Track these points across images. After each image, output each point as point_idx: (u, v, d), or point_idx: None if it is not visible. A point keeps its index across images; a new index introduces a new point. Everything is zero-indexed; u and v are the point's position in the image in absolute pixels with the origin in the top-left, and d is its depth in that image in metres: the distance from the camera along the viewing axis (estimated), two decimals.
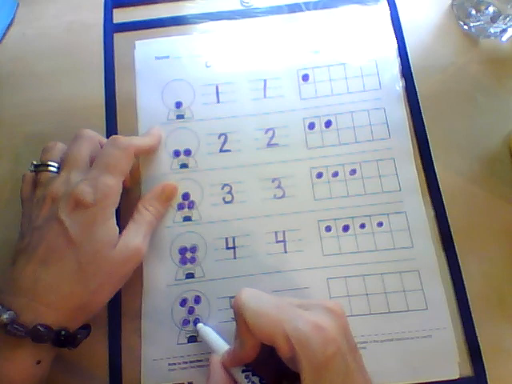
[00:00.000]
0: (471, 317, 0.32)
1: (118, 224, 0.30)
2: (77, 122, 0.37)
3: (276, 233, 0.34)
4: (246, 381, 0.26)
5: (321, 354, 0.23)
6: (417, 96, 0.37)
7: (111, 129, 0.37)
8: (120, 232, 0.30)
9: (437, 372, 0.31)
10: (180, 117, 0.37)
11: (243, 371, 0.27)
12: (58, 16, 0.41)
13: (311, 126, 0.37)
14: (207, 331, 0.31)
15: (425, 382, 0.31)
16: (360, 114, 0.37)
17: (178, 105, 0.37)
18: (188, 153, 0.36)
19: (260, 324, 0.24)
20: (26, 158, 0.36)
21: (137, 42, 0.39)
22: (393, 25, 0.40)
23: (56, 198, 0.29)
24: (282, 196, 0.35)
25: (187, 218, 0.35)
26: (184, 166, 0.36)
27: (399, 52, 0.39)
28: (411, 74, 0.38)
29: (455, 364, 0.31)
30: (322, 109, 0.37)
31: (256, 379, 0.26)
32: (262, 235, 0.34)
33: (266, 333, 0.24)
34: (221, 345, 0.29)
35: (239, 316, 0.25)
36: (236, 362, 0.27)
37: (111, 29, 0.40)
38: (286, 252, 0.34)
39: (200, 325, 0.32)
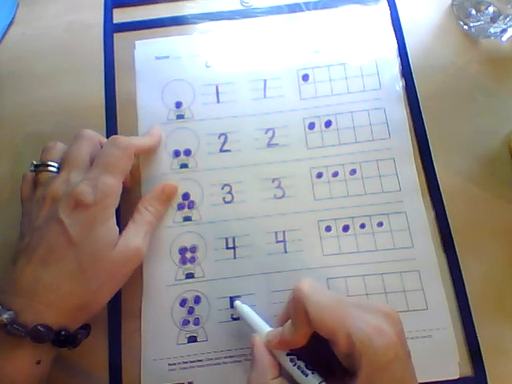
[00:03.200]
0: (471, 317, 0.32)
1: (118, 224, 0.30)
2: (77, 121, 0.37)
3: (276, 233, 0.34)
4: (291, 364, 0.26)
5: (381, 356, 0.23)
6: (417, 96, 0.37)
7: (111, 129, 0.37)
8: (120, 232, 0.30)
9: (437, 372, 0.31)
10: (180, 117, 0.37)
11: (288, 354, 0.27)
12: (58, 16, 0.41)
13: (311, 125, 0.37)
14: (245, 309, 0.31)
15: (425, 381, 0.31)
16: (360, 114, 0.37)
17: (178, 105, 0.37)
18: (188, 153, 0.36)
19: (322, 317, 0.25)
20: (26, 158, 0.36)
21: (137, 42, 0.39)
22: (393, 25, 0.40)
23: (56, 197, 0.29)
24: (282, 196, 0.35)
25: (187, 218, 0.35)
26: (184, 166, 0.36)
27: (399, 52, 0.39)
28: (411, 73, 0.38)
29: (455, 364, 0.31)
30: (321, 109, 0.37)
31: (301, 364, 0.26)
32: (262, 235, 0.34)
33: (328, 326, 0.24)
34: (262, 325, 0.29)
35: (299, 305, 0.26)
36: (283, 345, 0.27)
37: (111, 29, 0.40)
38: (285, 252, 0.34)
39: (237, 302, 0.31)
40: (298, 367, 0.26)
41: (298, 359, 0.26)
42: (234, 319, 0.32)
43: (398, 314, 0.26)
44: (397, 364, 0.24)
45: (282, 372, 0.27)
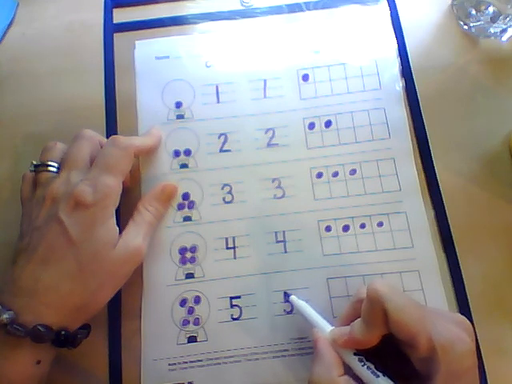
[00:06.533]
0: (471, 317, 0.32)
1: (118, 224, 0.30)
2: (77, 121, 0.37)
3: (276, 233, 0.34)
4: (359, 364, 0.25)
5: (460, 363, 0.23)
6: (417, 96, 0.37)
7: (111, 129, 0.37)
8: (120, 232, 0.30)
9: None
10: (180, 117, 0.37)
11: (355, 354, 0.26)
12: (58, 16, 0.41)
13: (311, 125, 0.37)
14: (303, 305, 0.30)
15: None
16: (360, 114, 0.37)
17: (178, 105, 0.37)
18: (188, 153, 0.36)
19: (404, 319, 0.24)
20: (26, 158, 0.36)
21: (137, 42, 0.39)
22: (393, 25, 0.40)
23: (56, 198, 0.29)
24: (282, 196, 0.35)
25: (187, 218, 0.35)
26: (184, 166, 0.36)
27: (399, 52, 0.39)
28: (411, 73, 0.38)
29: None
30: (321, 109, 0.37)
31: (371, 365, 0.25)
32: (262, 235, 0.34)
33: (409, 329, 0.24)
34: (320, 321, 0.29)
35: (377, 305, 0.25)
36: (352, 344, 0.26)
37: (111, 29, 0.40)
38: (286, 252, 0.34)
39: (293, 297, 0.31)
40: (368, 368, 0.25)
41: (367, 360, 0.26)
42: (234, 319, 0.32)
43: (470, 325, 0.25)
44: (472, 373, 0.24)
45: (346, 372, 0.26)
